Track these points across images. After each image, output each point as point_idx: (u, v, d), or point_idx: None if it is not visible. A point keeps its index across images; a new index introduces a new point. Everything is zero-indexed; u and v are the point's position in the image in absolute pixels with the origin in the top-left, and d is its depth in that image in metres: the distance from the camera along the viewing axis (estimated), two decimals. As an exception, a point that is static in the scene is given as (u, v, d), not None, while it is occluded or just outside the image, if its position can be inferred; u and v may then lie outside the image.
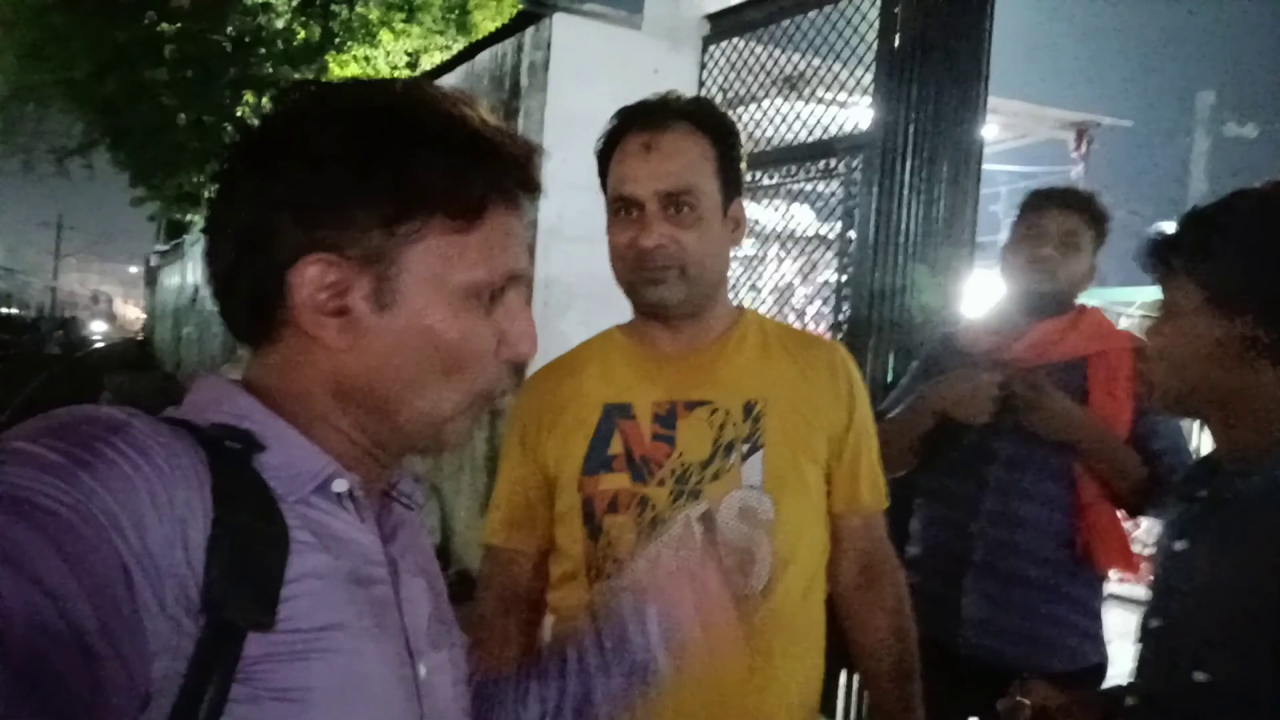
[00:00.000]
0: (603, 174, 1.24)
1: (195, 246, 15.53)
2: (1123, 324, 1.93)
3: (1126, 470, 1.73)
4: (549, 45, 2.95)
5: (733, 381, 1.22)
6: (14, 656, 0.45)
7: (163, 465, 0.54)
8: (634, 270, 1.18)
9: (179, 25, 10.37)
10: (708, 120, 1.20)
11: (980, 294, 2.58)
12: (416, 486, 0.78)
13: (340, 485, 0.65)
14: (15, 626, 0.45)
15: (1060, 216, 1.86)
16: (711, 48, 3.17)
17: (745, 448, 1.19)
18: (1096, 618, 1.85)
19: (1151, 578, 1.15)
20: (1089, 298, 2.01)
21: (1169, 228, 1.07)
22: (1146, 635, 1.08)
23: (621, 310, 1.35)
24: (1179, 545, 1.06)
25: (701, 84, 3.15)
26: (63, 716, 0.47)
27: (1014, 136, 6.40)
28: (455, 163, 0.64)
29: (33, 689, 0.45)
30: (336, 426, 0.67)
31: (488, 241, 0.66)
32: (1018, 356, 1.83)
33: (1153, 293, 1.10)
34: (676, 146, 1.17)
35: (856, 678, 2.31)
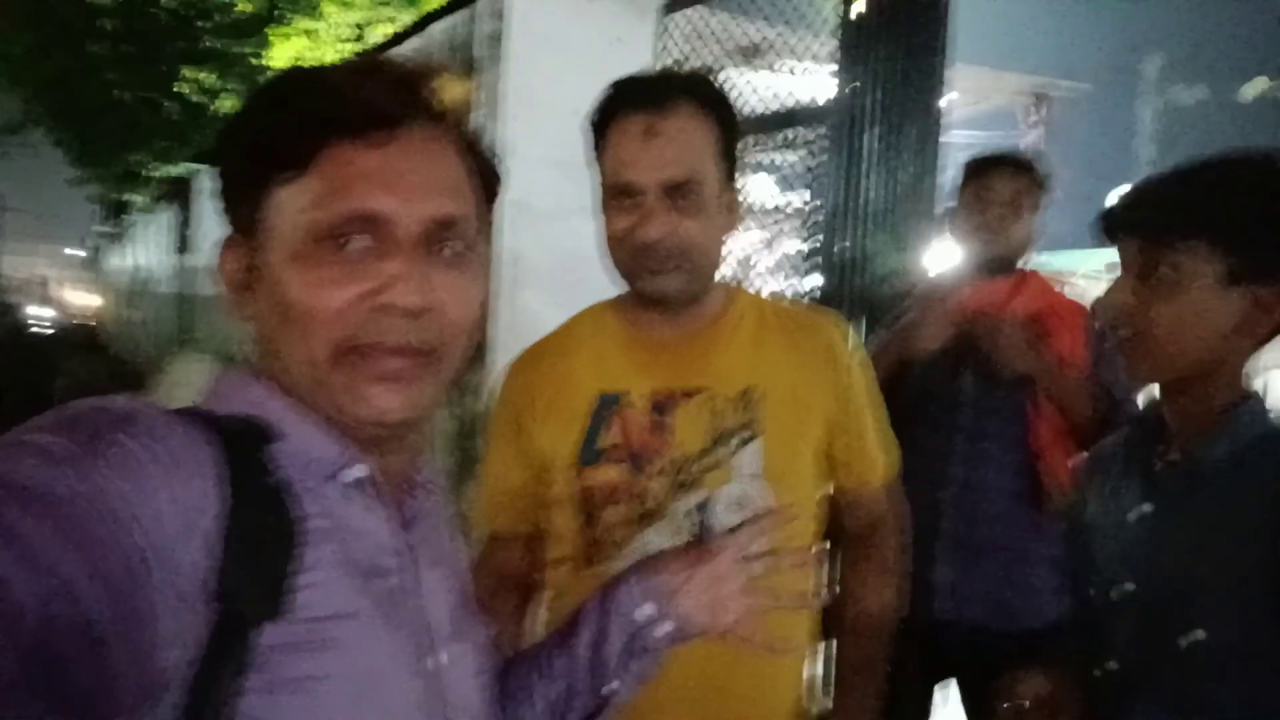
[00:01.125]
0: (597, 146, 1.18)
1: (141, 227, 15.14)
2: (1070, 291, 1.98)
3: (1083, 404, 1.78)
4: (503, 15, 2.89)
5: (729, 368, 1.20)
6: (26, 646, 0.45)
7: (175, 455, 0.53)
8: (633, 260, 1.14)
9: (119, -1, 10.04)
10: (711, 98, 1.15)
11: (943, 261, 2.61)
12: (438, 474, 0.76)
13: (355, 473, 0.64)
14: (28, 616, 0.45)
15: (1005, 181, 1.91)
16: (670, 17, 3.13)
17: (743, 436, 1.17)
18: (1062, 571, 1.89)
19: (1095, 544, 1.13)
20: (1035, 264, 2.06)
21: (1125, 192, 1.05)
22: (1114, 602, 1.07)
23: (591, 287, 1.32)
24: (1143, 509, 1.06)
25: (660, 53, 3.11)
26: (73, 705, 0.47)
27: (971, 102, 6.44)
28: (280, 116, 0.64)
29: (44, 678, 0.45)
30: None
31: (322, 182, 0.62)
32: (968, 312, 1.86)
33: (1100, 257, 1.07)
34: (680, 131, 1.11)
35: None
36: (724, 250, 1.23)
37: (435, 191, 0.64)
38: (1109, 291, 1.03)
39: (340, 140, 0.62)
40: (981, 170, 1.96)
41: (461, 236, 0.66)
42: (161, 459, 0.53)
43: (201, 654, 0.53)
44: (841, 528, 1.32)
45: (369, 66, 0.66)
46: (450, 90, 0.67)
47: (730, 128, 1.17)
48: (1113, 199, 1.07)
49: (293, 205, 0.63)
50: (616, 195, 1.15)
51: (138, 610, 0.49)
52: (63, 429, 0.52)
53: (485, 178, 0.71)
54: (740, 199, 1.22)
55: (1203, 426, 1.02)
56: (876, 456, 1.30)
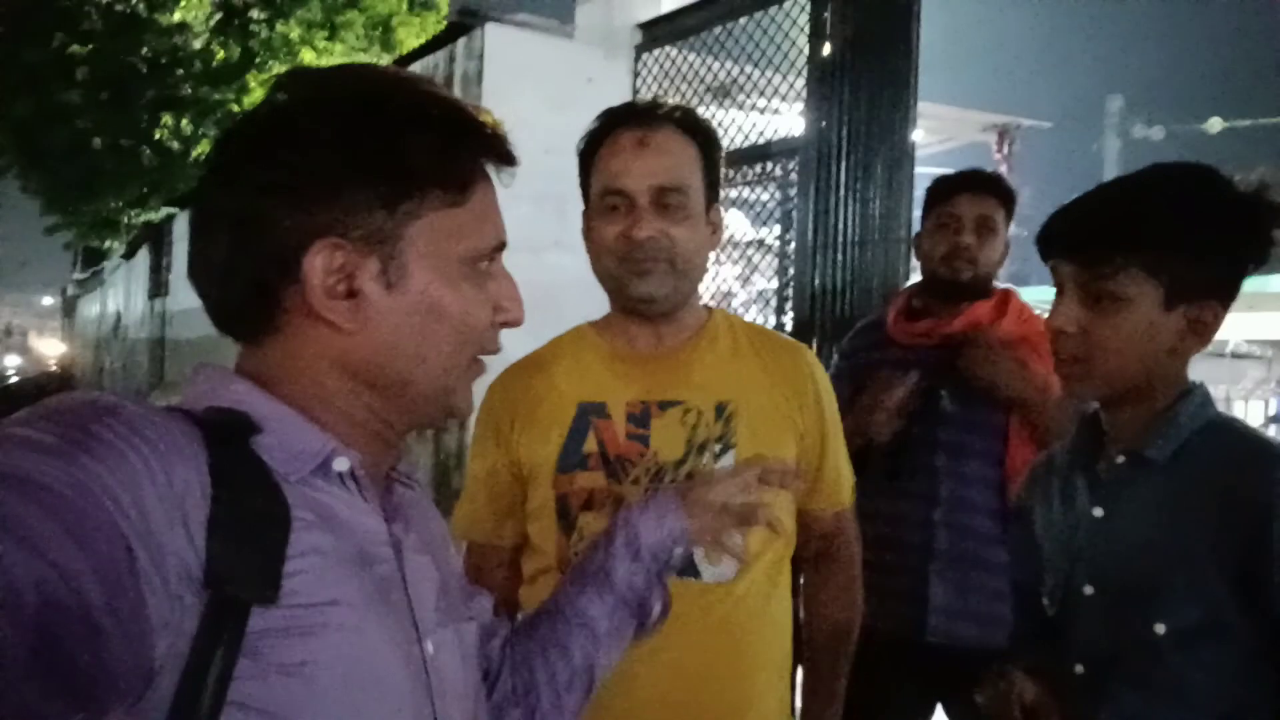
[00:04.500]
0: (584, 172, 1.25)
1: (115, 273, 15.04)
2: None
3: (1063, 428, 1.78)
4: (481, 56, 2.92)
5: (705, 382, 1.24)
6: (25, 630, 0.45)
7: (158, 445, 0.54)
8: (623, 263, 1.20)
9: (92, 46, 10.06)
10: (694, 126, 1.24)
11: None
12: (413, 467, 0.78)
13: (340, 465, 0.66)
14: (26, 601, 0.45)
15: (973, 202, 1.89)
16: (644, 56, 3.18)
17: (718, 448, 1.22)
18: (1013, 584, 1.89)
19: (1047, 553, 1.15)
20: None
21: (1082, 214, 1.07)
22: (1081, 602, 1.09)
23: (567, 321, 1.34)
24: (1094, 514, 1.09)
25: (635, 92, 3.16)
26: (70, 690, 0.47)
27: (939, 140, 6.57)
28: (444, 140, 0.67)
29: (44, 662, 0.46)
30: (343, 408, 0.68)
31: (477, 213, 0.69)
32: (955, 335, 1.86)
33: None
34: (669, 144, 1.20)
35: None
36: (707, 266, 1.28)
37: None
38: (1056, 316, 1.06)
39: (484, 174, 0.71)
40: (947, 192, 1.93)
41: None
42: (145, 449, 0.53)
43: (195, 640, 0.53)
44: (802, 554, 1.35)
45: (479, 112, 0.71)
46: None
47: (711, 155, 1.24)
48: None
49: (446, 228, 0.67)
50: (608, 203, 1.20)
51: (130, 597, 0.50)
52: (47, 421, 0.52)
53: None
54: (721, 222, 1.27)
55: (1144, 428, 1.06)
56: (838, 481, 1.33)
